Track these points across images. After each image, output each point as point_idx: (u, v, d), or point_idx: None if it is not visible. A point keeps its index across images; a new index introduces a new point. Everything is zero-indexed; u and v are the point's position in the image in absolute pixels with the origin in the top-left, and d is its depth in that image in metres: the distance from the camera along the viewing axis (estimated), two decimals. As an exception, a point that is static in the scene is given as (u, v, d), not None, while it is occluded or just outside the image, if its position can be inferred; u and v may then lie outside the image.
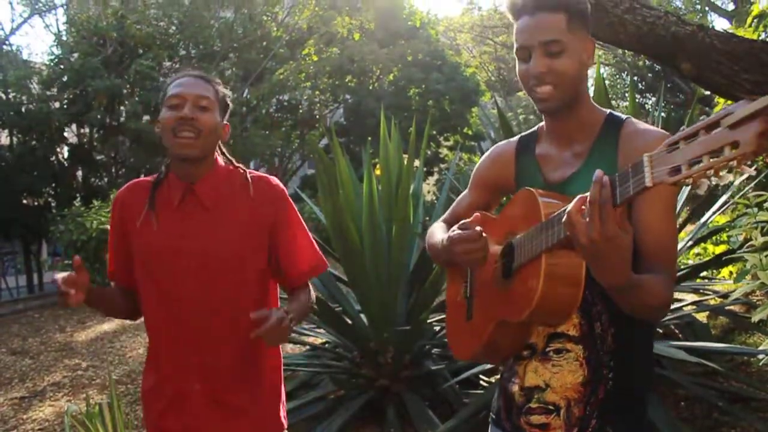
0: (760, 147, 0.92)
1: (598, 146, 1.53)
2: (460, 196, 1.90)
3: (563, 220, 1.23)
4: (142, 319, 1.99)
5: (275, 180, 2.01)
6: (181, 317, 1.87)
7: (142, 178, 2.06)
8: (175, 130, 1.81)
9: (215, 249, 1.88)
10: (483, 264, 1.56)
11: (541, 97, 1.52)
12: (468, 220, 1.53)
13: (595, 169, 1.42)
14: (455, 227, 1.55)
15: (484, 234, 1.51)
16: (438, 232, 1.80)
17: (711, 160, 0.97)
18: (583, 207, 1.20)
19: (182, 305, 1.87)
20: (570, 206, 1.21)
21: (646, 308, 1.38)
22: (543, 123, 1.66)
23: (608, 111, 1.59)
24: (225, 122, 1.96)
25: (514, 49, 1.55)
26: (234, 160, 2.01)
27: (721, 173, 0.97)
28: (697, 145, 0.99)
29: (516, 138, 1.75)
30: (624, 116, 1.56)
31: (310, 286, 2.04)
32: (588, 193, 1.18)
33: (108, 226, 10.17)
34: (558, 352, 1.52)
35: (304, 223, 2.04)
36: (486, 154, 1.83)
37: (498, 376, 4.00)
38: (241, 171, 1.98)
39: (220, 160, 1.98)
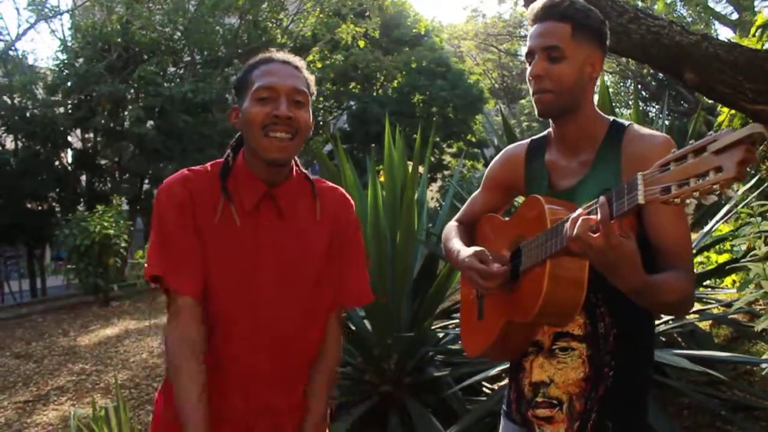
0: (740, 174, 1.00)
1: (601, 154, 1.60)
2: (474, 195, 1.98)
3: (570, 236, 1.29)
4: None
5: (343, 191, 1.85)
6: (255, 345, 1.65)
7: (191, 168, 1.72)
8: (266, 129, 1.59)
9: (295, 263, 1.67)
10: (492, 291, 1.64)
11: (538, 99, 1.61)
12: (489, 261, 1.60)
13: (599, 177, 1.55)
14: (474, 254, 1.63)
15: (499, 274, 1.57)
16: (453, 237, 1.87)
17: (697, 182, 1.05)
18: (583, 219, 1.28)
19: (258, 329, 1.65)
20: (576, 229, 1.28)
21: (670, 305, 1.46)
22: (551, 128, 1.74)
23: (612, 119, 1.66)
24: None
25: (525, 54, 1.65)
26: (298, 162, 1.80)
27: (707, 195, 1.05)
28: (686, 167, 1.07)
29: (527, 141, 1.83)
30: (627, 122, 1.63)
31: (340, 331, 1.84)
32: (582, 209, 1.31)
33: (111, 231, 10.02)
34: (563, 350, 1.60)
35: (365, 247, 1.88)
36: (498, 155, 1.90)
37: (501, 383, 4.02)
38: (304, 175, 1.78)
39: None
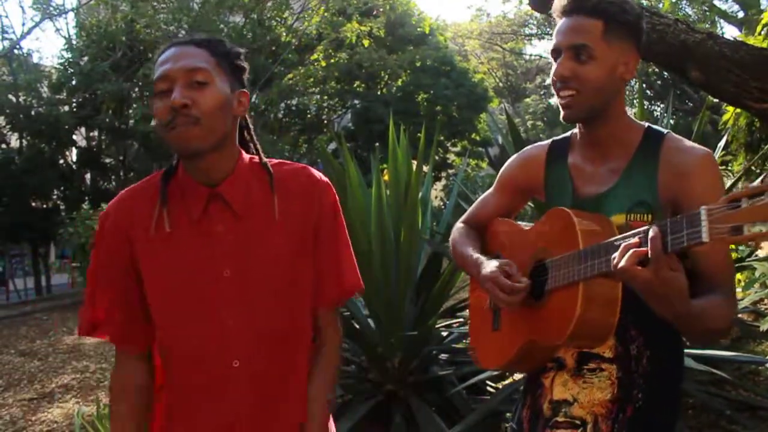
0: None
1: (636, 162, 1.48)
2: (485, 196, 1.84)
3: (617, 266, 1.20)
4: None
5: (317, 172, 1.57)
6: (215, 371, 1.42)
7: (134, 185, 1.55)
8: (169, 124, 1.36)
9: (258, 267, 1.45)
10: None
11: (563, 102, 1.48)
12: (516, 276, 1.47)
13: (632, 187, 1.44)
14: (499, 267, 1.50)
15: (524, 290, 1.46)
16: (466, 243, 1.74)
17: None
18: (632, 251, 1.18)
19: (220, 353, 1.42)
20: (624, 261, 1.18)
21: (711, 332, 1.36)
22: (576, 130, 1.61)
23: (646, 125, 1.54)
24: (241, 90, 1.47)
25: (550, 51, 1.52)
26: (259, 148, 1.57)
27: None
28: (763, 206, 0.95)
29: (548, 142, 1.70)
30: (664, 130, 1.51)
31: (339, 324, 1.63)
32: (630, 241, 1.19)
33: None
34: (592, 371, 1.49)
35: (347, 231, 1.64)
36: (515, 155, 1.77)
37: (506, 382, 4.01)
38: (259, 164, 1.52)
39: (244, 149, 1.54)
